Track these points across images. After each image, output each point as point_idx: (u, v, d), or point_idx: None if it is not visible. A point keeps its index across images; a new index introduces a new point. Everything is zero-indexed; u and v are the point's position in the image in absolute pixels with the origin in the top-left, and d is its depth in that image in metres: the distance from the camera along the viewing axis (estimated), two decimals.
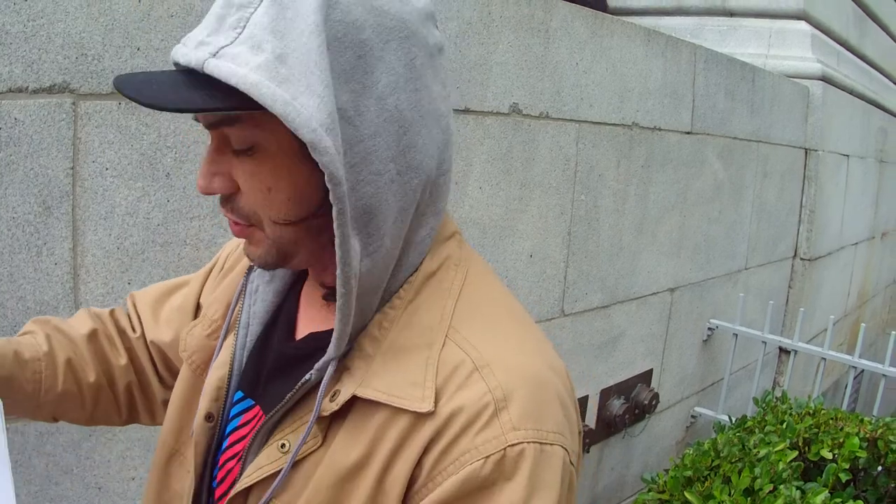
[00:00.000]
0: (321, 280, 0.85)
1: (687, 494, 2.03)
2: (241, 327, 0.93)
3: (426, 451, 0.72)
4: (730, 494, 1.95)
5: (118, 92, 0.69)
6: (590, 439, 2.74)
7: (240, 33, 0.68)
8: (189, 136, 1.55)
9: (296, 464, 0.77)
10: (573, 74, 2.50)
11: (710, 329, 3.66)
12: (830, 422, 2.32)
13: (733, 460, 2.12)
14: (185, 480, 0.94)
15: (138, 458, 1.57)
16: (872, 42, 5.75)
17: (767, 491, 1.94)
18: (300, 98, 0.66)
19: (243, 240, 0.80)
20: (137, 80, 0.70)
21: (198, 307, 1.07)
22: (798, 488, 1.96)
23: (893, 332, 3.26)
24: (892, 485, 2.19)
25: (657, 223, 3.10)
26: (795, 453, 2.12)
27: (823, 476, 2.08)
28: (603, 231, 2.78)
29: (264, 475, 0.79)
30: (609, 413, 3.00)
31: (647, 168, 2.95)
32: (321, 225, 0.75)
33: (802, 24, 4.51)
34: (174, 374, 1.07)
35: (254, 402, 0.89)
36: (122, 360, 1.09)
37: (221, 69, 0.66)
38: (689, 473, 2.14)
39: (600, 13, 2.62)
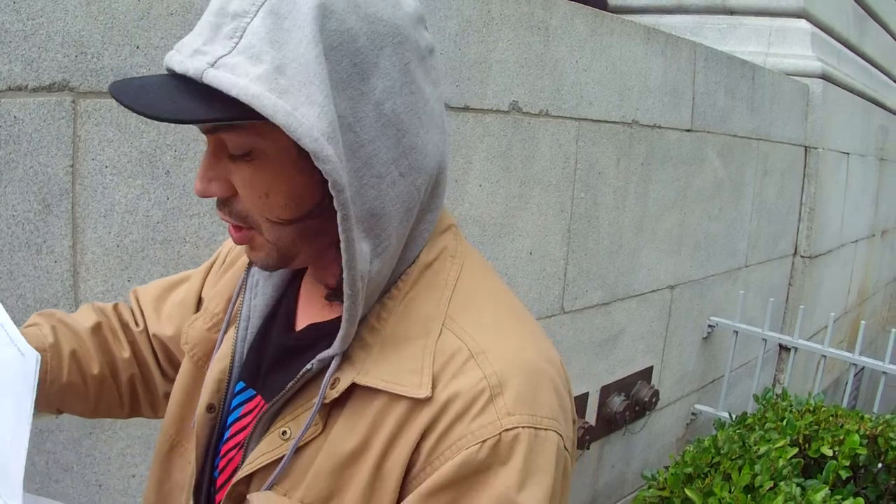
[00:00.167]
0: (323, 281, 0.86)
1: (687, 491, 2.03)
2: (242, 320, 0.94)
3: (424, 436, 0.73)
4: (730, 491, 1.95)
5: (115, 100, 0.70)
6: (590, 436, 2.74)
7: (237, 43, 0.68)
8: (188, 133, 1.55)
9: (297, 451, 0.79)
10: (573, 72, 2.50)
11: (710, 326, 3.66)
12: (831, 419, 2.32)
13: (733, 457, 2.12)
14: (186, 471, 0.96)
15: (139, 456, 1.58)
16: (873, 40, 5.74)
17: (768, 488, 1.94)
18: (301, 108, 0.67)
19: (245, 248, 0.82)
20: (133, 87, 0.71)
21: (199, 302, 1.09)
22: (798, 485, 1.96)
23: (893, 330, 3.27)
24: (893, 482, 2.19)
25: (657, 221, 3.10)
26: (796, 450, 2.12)
27: (823, 473, 2.08)
28: (603, 228, 2.78)
29: (266, 462, 0.81)
30: (609, 410, 3.00)
31: (646, 166, 2.95)
32: (318, 226, 0.77)
33: (802, 23, 4.50)
34: (176, 367, 1.09)
35: (255, 393, 0.91)
36: (126, 353, 1.10)
37: (222, 80, 0.67)
38: (689, 470, 2.14)
39: (600, 11, 2.62)
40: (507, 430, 0.72)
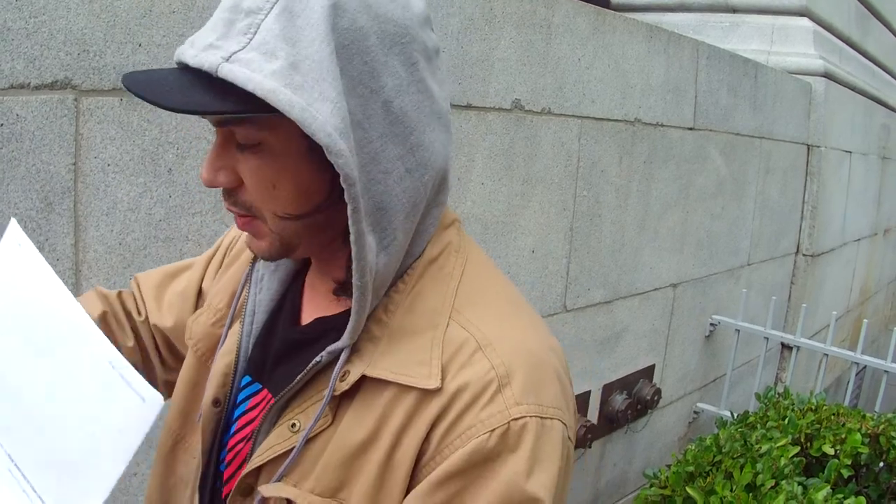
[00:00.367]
0: (331, 275, 0.87)
1: (689, 490, 2.03)
2: (247, 315, 0.95)
3: (433, 426, 0.75)
4: (731, 490, 1.95)
5: (128, 91, 0.71)
6: (592, 435, 2.74)
7: (250, 39, 0.70)
8: (191, 132, 1.55)
9: (306, 443, 0.80)
10: (575, 70, 2.50)
11: (712, 325, 3.66)
12: (832, 418, 2.32)
13: (735, 456, 2.12)
14: (190, 466, 0.97)
15: (140, 454, 1.57)
16: (875, 39, 5.73)
17: (769, 487, 1.94)
18: (315, 104, 0.68)
19: (247, 234, 0.83)
20: (145, 80, 0.73)
21: (199, 293, 1.10)
22: (800, 484, 1.95)
23: (895, 329, 3.27)
24: (894, 481, 2.19)
25: (659, 219, 3.10)
26: (797, 449, 2.12)
27: (825, 472, 2.08)
28: (605, 227, 2.78)
29: (275, 454, 0.82)
30: (611, 408, 3.00)
31: (649, 164, 2.95)
32: (325, 221, 0.79)
33: (805, 21, 4.50)
34: (175, 356, 1.12)
35: (261, 386, 0.92)
36: (130, 341, 1.13)
37: (237, 75, 0.68)
38: (690, 469, 2.14)
39: (602, 9, 2.62)
40: (515, 419, 0.74)
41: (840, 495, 1.97)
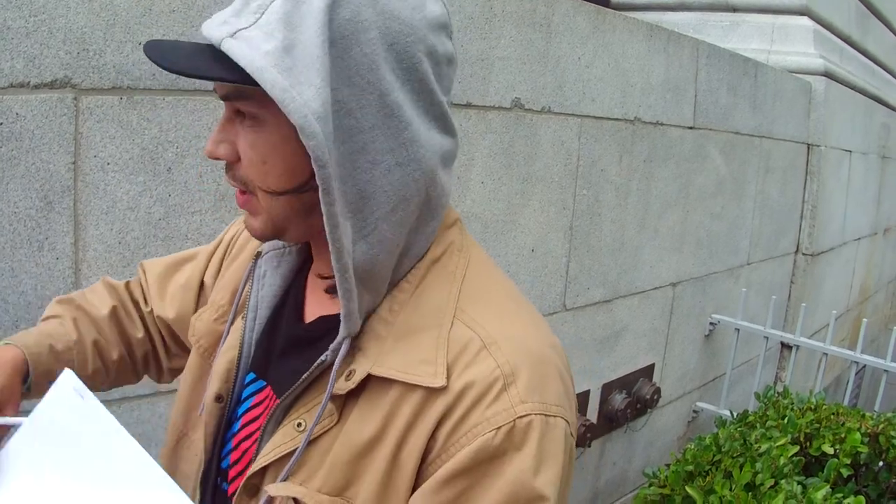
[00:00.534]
0: (321, 273, 0.89)
1: (688, 489, 2.03)
2: (250, 311, 0.96)
3: (439, 424, 0.76)
4: (731, 489, 1.95)
5: (144, 52, 0.77)
6: (592, 434, 2.74)
7: (258, 18, 0.74)
8: (190, 130, 1.55)
9: (312, 442, 0.81)
10: (575, 69, 2.49)
11: (711, 324, 3.66)
12: (832, 417, 2.31)
13: (734, 455, 2.12)
14: (192, 462, 0.97)
15: None
16: (875, 38, 5.73)
17: (768, 486, 1.93)
18: (298, 87, 0.71)
19: (245, 213, 0.86)
20: (165, 46, 0.78)
21: (201, 286, 1.12)
22: (799, 483, 1.95)
23: (895, 328, 3.26)
24: (894, 480, 2.19)
25: (659, 218, 3.09)
26: (797, 448, 2.12)
27: (825, 471, 2.08)
28: (605, 226, 2.77)
29: (281, 454, 0.82)
30: (611, 408, 3.00)
31: (649, 163, 2.95)
32: (310, 202, 0.80)
33: (805, 20, 4.50)
34: (179, 345, 1.15)
35: (265, 383, 0.93)
36: (140, 332, 1.16)
37: (233, 50, 0.72)
38: (690, 468, 2.13)
39: (602, 8, 2.62)
40: (520, 416, 0.75)
41: (839, 494, 1.96)
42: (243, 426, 0.93)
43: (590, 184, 2.65)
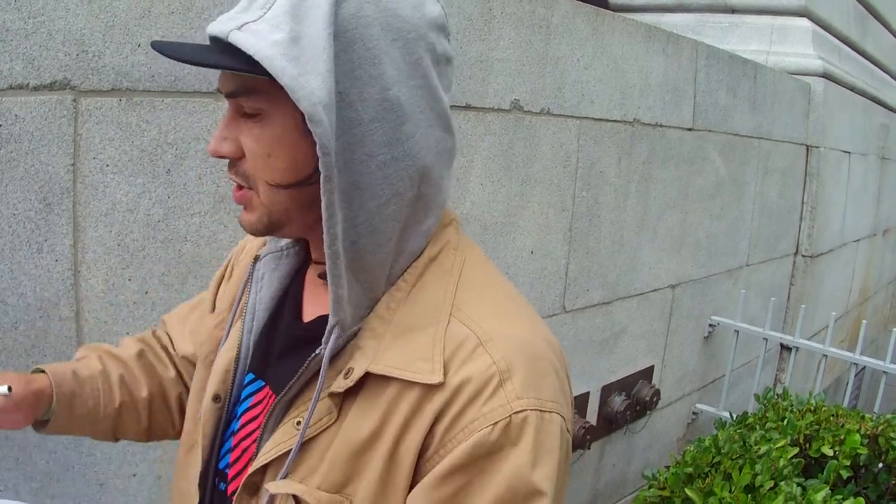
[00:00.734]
0: (317, 259, 0.91)
1: (688, 491, 2.03)
2: (248, 313, 0.98)
3: (437, 420, 0.77)
4: (730, 491, 1.95)
5: (152, 48, 0.79)
6: (591, 436, 2.74)
7: (265, 13, 0.76)
8: (189, 132, 1.55)
9: (312, 440, 0.82)
10: (574, 71, 2.49)
11: (711, 326, 3.66)
12: (831, 419, 2.31)
13: (734, 457, 2.12)
14: (197, 467, 0.98)
15: (139, 455, 1.57)
16: (874, 39, 5.73)
17: (768, 488, 1.93)
18: (305, 76, 0.73)
19: (242, 210, 0.87)
20: (172, 43, 0.81)
21: (213, 310, 1.13)
22: (799, 485, 1.95)
23: (895, 329, 3.26)
24: (893, 481, 2.19)
25: (658, 220, 3.09)
26: (796, 450, 2.12)
27: (824, 473, 2.08)
28: (604, 228, 2.77)
29: (281, 452, 0.83)
30: (610, 409, 3.00)
31: (648, 165, 2.95)
32: (311, 197, 0.81)
33: (804, 21, 4.50)
34: None
35: (264, 383, 0.94)
36: (171, 372, 1.17)
37: (241, 41, 0.74)
38: (689, 470, 2.13)
39: (601, 9, 2.62)
40: (516, 412, 0.76)
41: (839, 496, 1.96)
42: (242, 426, 0.94)
43: (589, 185, 2.65)
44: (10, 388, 0.95)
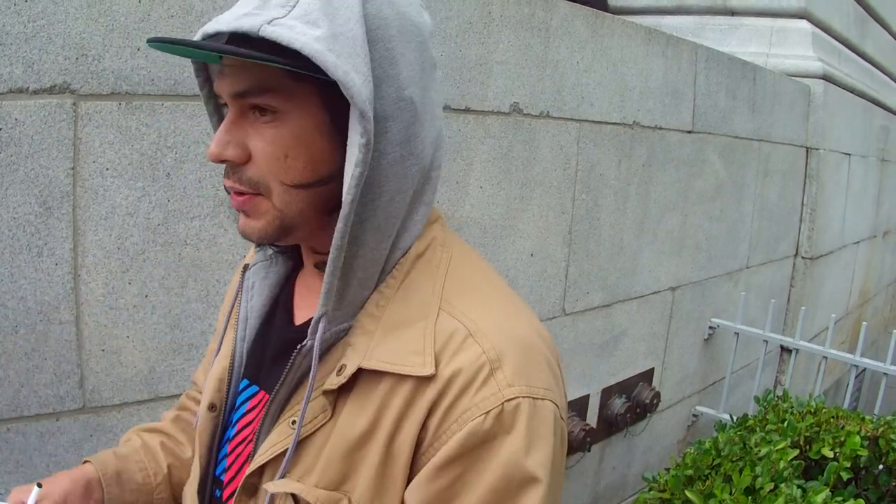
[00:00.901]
0: (314, 248, 0.91)
1: (688, 493, 2.03)
2: (240, 322, 0.98)
3: (430, 412, 0.77)
4: (731, 493, 1.95)
5: (178, 47, 0.77)
6: (591, 438, 2.74)
7: (290, 10, 0.75)
8: (189, 135, 1.55)
9: (308, 438, 0.82)
10: (574, 74, 2.50)
11: (711, 328, 3.66)
12: (832, 420, 2.31)
13: (734, 459, 2.12)
14: (196, 475, 0.99)
15: None
16: (873, 41, 5.74)
17: (768, 489, 1.93)
18: (351, 74, 0.73)
19: (242, 217, 0.85)
20: (182, 41, 0.78)
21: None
22: (799, 487, 1.95)
23: (895, 331, 3.26)
24: (894, 483, 2.19)
25: (658, 222, 3.10)
26: (796, 452, 2.12)
27: (824, 475, 2.08)
28: (604, 230, 2.77)
29: (277, 452, 0.83)
30: (610, 412, 3.00)
31: (647, 167, 2.95)
32: (326, 195, 0.82)
33: (804, 23, 4.50)
34: None
35: (258, 388, 0.94)
36: (188, 452, 1.17)
37: (282, 34, 0.72)
38: (690, 472, 2.13)
39: (601, 12, 2.62)
40: (508, 400, 0.76)
41: (839, 498, 1.96)
42: (238, 431, 0.94)
43: (588, 188, 2.65)
44: (39, 485, 0.98)
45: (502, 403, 0.76)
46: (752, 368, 3.98)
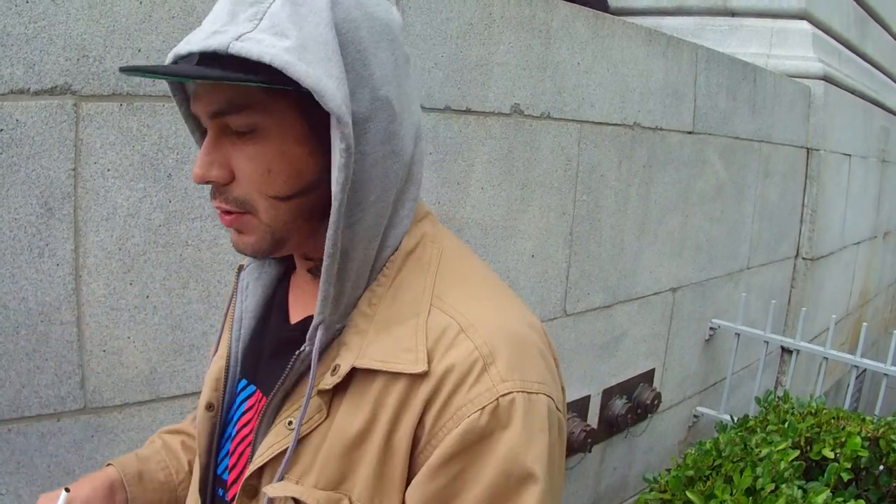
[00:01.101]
0: (307, 255, 0.91)
1: (689, 494, 2.03)
2: (235, 322, 0.99)
3: (425, 409, 0.77)
4: (731, 494, 1.95)
5: (149, 74, 0.77)
6: (592, 439, 2.74)
7: (257, 24, 0.74)
8: (190, 137, 1.55)
9: (304, 439, 0.82)
10: (574, 75, 2.50)
11: (712, 329, 3.66)
12: (832, 421, 2.31)
13: (735, 460, 2.12)
14: (197, 474, 1.00)
15: None
16: (874, 41, 5.74)
17: (769, 490, 1.93)
18: (323, 79, 0.73)
19: (234, 233, 0.85)
20: (157, 66, 0.77)
21: None
22: (800, 487, 1.95)
23: (895, 332, 3.26)
24: (894, 484, 2.19)
25: (659, 223, 3.10)
26: (797, 453, 2.12)
27: (825, 475, 2.08)
28: (605, 231, 2.78)
29: (275, 453, 0.84)
30: (611, 413, 3.00)
31: (648, 168, 2.95)
32: (312, 203, 0.82)
33: (804, 24, 4.50)
34: None
35: (256, 388, 0.95)
36: None
37: (251, 49, 0.72)
38: (690, 473, 2.13)
39: (601, 13, 2.62)
40: (503, 395, 0.76)
41: (840, 499, 1.96)
42: (238, 430, 0.95)
43: (589, 189, 2.65)
44: (67, 489, 1.00)
45: (497, 399, 0.76)
46: (752, 369, 3.98)
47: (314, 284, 0.90)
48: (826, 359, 3.38)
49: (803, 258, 4.44)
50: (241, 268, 1.01)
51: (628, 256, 2.94)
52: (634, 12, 4.92)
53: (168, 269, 1.56)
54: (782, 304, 4.35)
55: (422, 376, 0.77)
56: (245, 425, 0.94)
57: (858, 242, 5.38)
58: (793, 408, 2.49)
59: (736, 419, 2.64)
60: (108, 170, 1.45)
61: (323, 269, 0.79)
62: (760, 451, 2.12)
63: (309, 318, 0.89)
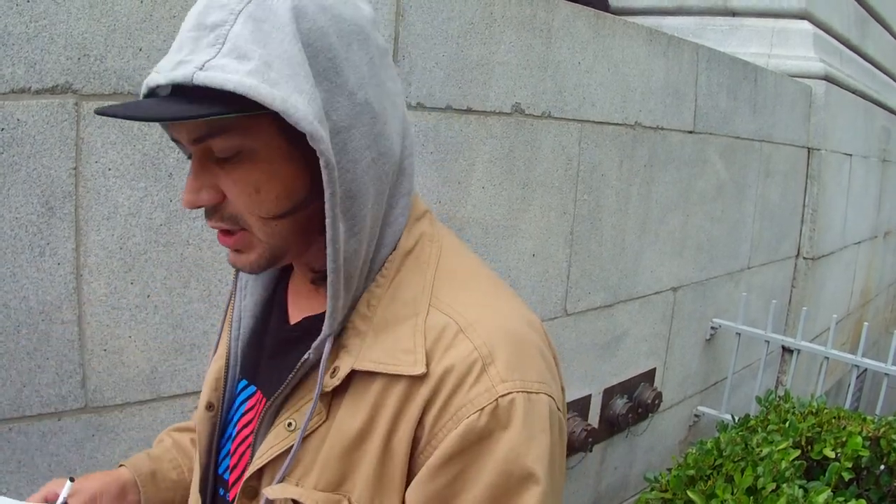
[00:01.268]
0: (309, 266, 0.89)
1: (690, 493, 2.03)
2: (234, 321, 0.99)
3: (425, 411, 0.77)
4: (732, 493, 1.95)
5: (113, 116, 0.74)
6: (593, 438, 2.74)
7: (220, 48, 0.72)
8: None
9: (303, 440, 0.82)
10: (575, 74, 2.50)
11: (712, 328, 3.66)
12: (833, 421, 2.31)
13: (736, 459, 2.12)
14: (197, 474, 1.00)
15: None
16: (874, 41, 5.74)
17: (770, 490, 1.93)
18: (292, 96, 0.71)
19: (231, 252, 0.84)
20: (121, 106, 0.75)
21: None
22: (801, 487, 1.95)
23: None
24: (895, 483, 2.19)
25: (660, 223, 3.10)
26: (798, 452, 2.12)
27: (826, 475, 2.08)
28: (605, 231, 2.78)
29: (274, 455, 0.84)
30: (612, 412, 3.00)
31: (649, 168, 2.95)
32: (306, 219, 0.81)
33: (805, 24, 4.50)
34: None
35: (256, 388, 0.94)
36: None
37: (214, 78, 0.70)
38: (691, 472, 2.13)
39: (602, 13, 2.62)
40: (502, 395, 0.76)
41: (841, 498, 1.96)
42: (239, 431, 0.95)
43: (590, 189, 2.65)
44: (72, 479, 1.00)
45: (496, 399, 0.75)
46: (753, 369, 3.98)
47: (314, 286, 0.90)
48: (827, 358, 3.38)
49: (804, 258, 4.44)
50: (238, 271, 1.00)
51: (629, 256, 2.94)
52: (635, 12, 4.92)
53: (169, 268, 1.56)
54: (783, 303, 4.35)
55: (421, 378, 0.77)
56: (245, 426, 0.94)
57: (859, 242, 5.38)
58: (794, 407, 2.49)
59: (737, 419, 2.64)
60: (109, 169, 1.45)
61: (329, 284, 0.78)
62: (761, 451, 2.12)
63: (308, 318, 0.90)
